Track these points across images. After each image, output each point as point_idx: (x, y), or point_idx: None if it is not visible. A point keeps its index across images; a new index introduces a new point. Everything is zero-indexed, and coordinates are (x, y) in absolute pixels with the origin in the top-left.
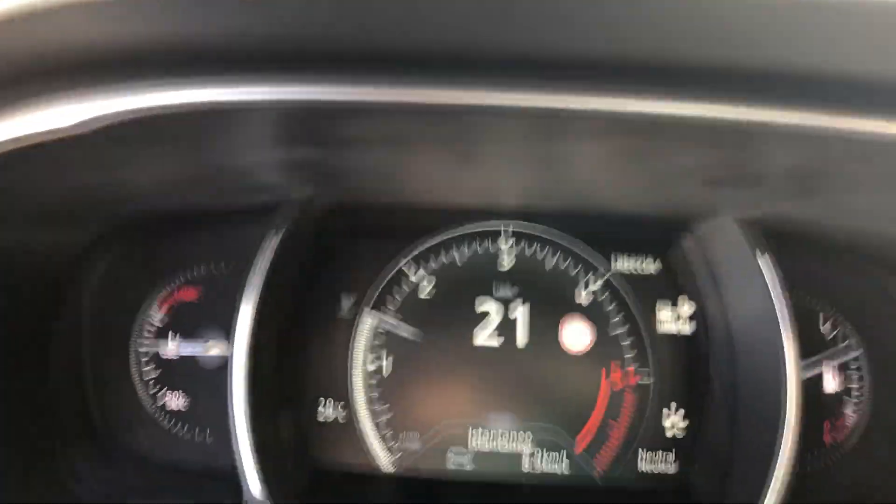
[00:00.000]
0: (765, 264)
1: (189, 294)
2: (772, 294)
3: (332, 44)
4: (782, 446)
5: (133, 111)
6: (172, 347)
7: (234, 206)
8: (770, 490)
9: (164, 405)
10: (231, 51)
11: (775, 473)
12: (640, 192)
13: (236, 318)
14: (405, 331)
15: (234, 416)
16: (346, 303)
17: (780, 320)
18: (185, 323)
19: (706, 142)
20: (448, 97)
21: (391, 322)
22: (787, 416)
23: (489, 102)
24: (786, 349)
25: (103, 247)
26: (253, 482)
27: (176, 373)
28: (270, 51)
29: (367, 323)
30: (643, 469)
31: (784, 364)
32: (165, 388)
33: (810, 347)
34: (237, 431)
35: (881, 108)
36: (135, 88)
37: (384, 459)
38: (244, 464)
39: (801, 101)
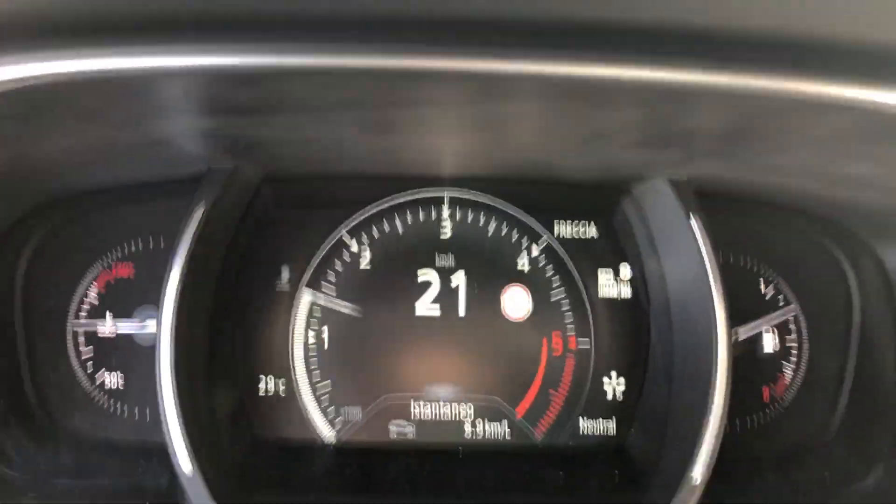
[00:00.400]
0: (696, 225)
1: (124, 271)
2: (703, 255)
3: (248, 4)
4: (713, 406)
5: (39, 77)
6: (109, 325)
7: (163, 179)
8: (702, 448)
9: (101, 384)
10: (141, 15)
11: (707, 432)
12: (575, 156)
13: (163, 292)
14: (343, 306)
15: (161, 391)
16: (285, 275)
17: (710, 282)
18: (121, 300)
19: (636, 103)
20: (371, 62)
21: (329, 299)
22: (717, 376)
23: (418, 66)
24: (716, 311)
25: (33, 223)
26: (182, 457)
27: (113, 351)
28: (181, 13)
29: (307, 294)
30: (583, 432)
31: (715, 326)
32: (102, 367)
33: (748, 308)
34: (165, 406)
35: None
36: (42, 55)
37: (326, 431)
38: (173, 440)
39: (726, 61)
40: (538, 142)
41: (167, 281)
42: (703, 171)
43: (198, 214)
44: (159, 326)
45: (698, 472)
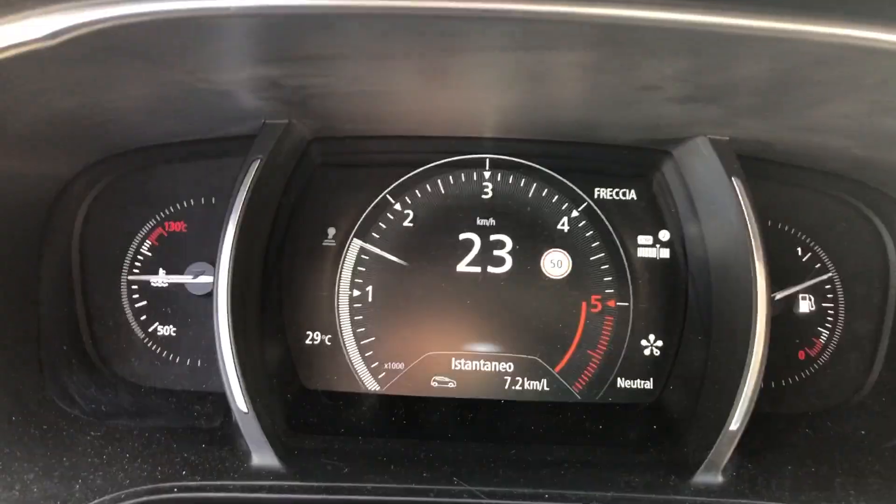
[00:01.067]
0: (738, 186)
1: (178, 226)
2: (745, 216)
3: None
4: (752, 361)
5: (101, 21)
6: (162, 277)
7: (217, 135)
8: (740, 401)
9: (154, 332)
10: None
11: (746, 386)
12: (619, 114)
13: (221, 245)
14: (389, 258)
15: (219, 339)
16: (331, 232)
17: (752, 243)
18: (173, 256)
19: (685, 50)
20: (424, 3)
21: (376, 250)
22: (756, 333)
23: (464, 6)
24: (757, 271)
25: (92, 177)
26: (238, 397)
27: (166, 302)
28: None
29: (353, 251)
30: (620, 386)
31: (755, 286)
32: (156, 317)
33: (784, 272)
34: (223, 353)
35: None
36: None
37: (370, 382)
38: (230, 380)
39: (774, 5)
40: (582, 96)
41: (225, 229)
42: (743, 131)
43: (255, 166)
44: (217, 273)
45: (736, 423)
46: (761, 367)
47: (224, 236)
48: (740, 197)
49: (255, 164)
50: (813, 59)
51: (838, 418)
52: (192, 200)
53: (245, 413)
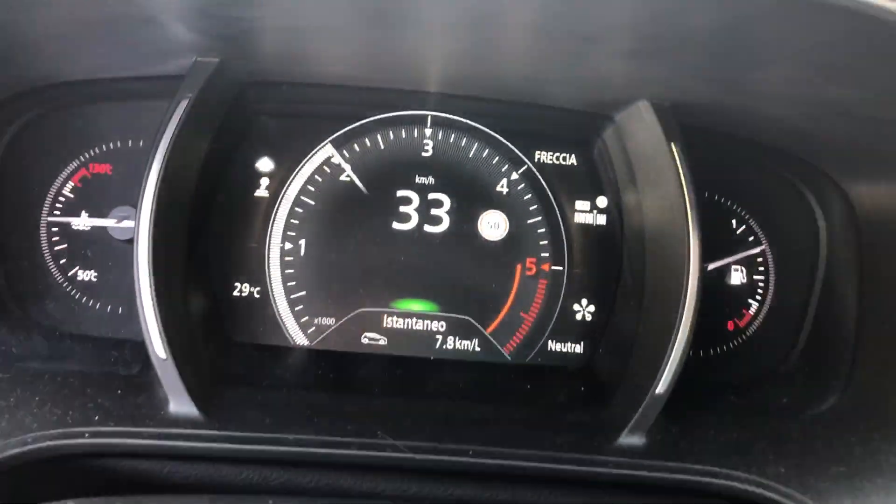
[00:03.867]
0: (677, 152)
1: (103, 168)
2: (682, 182)
3: None
4: (681, 326)
5: None
6: (84, 220)
7: (147, 73)
8: (668, 366)
9: (74, 276)
10: None
11: (673, 354)
12: (563, 69)
13: (143, 187)
14: (325, 211)
15: (139, 283)
16: (265, 183)
17: (687, 209)
18: (97, 198)
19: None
20: None
21: (311, 202)
22: (686, 303)
23: None
24: (691, 239)
25: (12, 112)
26: (157, 344)
27: (87, 246)
28: None
29: (286, 203)
30: (552, 352)
31: (688, 253)
32: (76, 260)
33: (718, 244)
34: (142, 298)
35: None
36: None
37: (298, 337)
38: (149, 328)
39: None
40: (527, 46)
41: (149, 170)
42: (686, 95)
43: (183, 105)
44: (139, 217)
45: (662, 386)
46: (690, 334)
47: (147, 178)
48: (678, 163)
49: (184, 104)
50: (759, 11)
51: (763, 387)
52: (118, 142)
53: (163, 359)
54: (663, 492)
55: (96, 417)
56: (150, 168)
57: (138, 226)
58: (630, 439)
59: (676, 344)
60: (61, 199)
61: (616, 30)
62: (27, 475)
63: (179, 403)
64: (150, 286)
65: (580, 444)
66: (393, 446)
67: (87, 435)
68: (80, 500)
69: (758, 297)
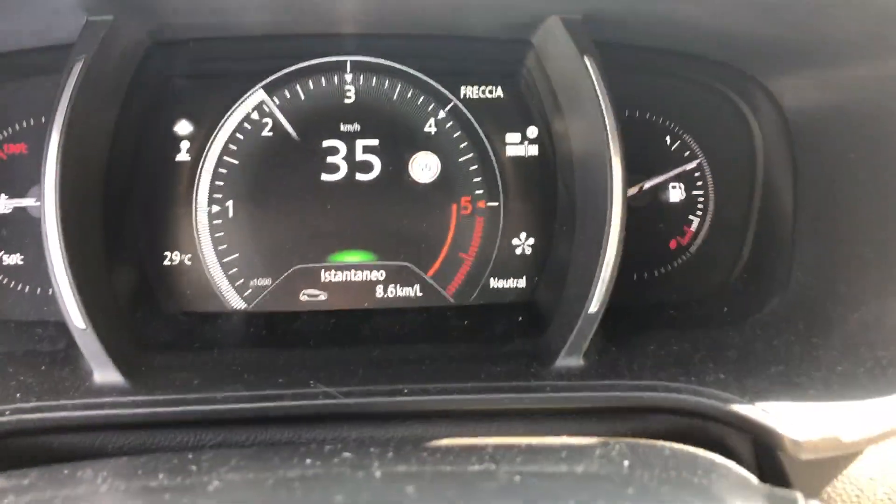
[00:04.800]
0: (590, 65)
1: (18, 147)
2: (598, 95)
3: None
4: (608, 249)
5: None
6: (3, 202)
7: (45, 43)
8: (598, 287)
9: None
10: None
11: (602, 273)
12: None
13: (44, 164)
14: (250, 169)
15: (50, 261)
16: (184, 146)
17: (605, 125)
18: (15, 179)
19: None
20: None
21: (234, 162)
22: (612, 221)
23: None
24: (612, 156)
25: None
26: (75, 315)
27: (9, 227)
28: None
29: (209, 165)
30: (493, 286)
31: (611, 171)
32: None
33: (654, 162)
34: (55, 273)
35: None
36: None
37: (234, 301)
38: (65, 300)
39: None
40: None
41: (47, 146)
42: (594, 5)
43: (76, 69)
44: (43, 195)
45: (595, 306)
46: (618, 253)
47: (47, 154)
48: (594, 77)
49: (77, 67)
50: None
51: (705, 302)
52: (31, 120)
53: (82, 329)
54: (606, 413)
55: (18, 395)
56: (48, 142)
57: (43, 202)
58: (567, 361)
59: (605, 262)
60: None
61: None
62: None
63: (103, 372)
64: (63, 260)
65: (517, 371)
66: (325, 394)
67: (8, 413)
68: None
69: (698, 213)
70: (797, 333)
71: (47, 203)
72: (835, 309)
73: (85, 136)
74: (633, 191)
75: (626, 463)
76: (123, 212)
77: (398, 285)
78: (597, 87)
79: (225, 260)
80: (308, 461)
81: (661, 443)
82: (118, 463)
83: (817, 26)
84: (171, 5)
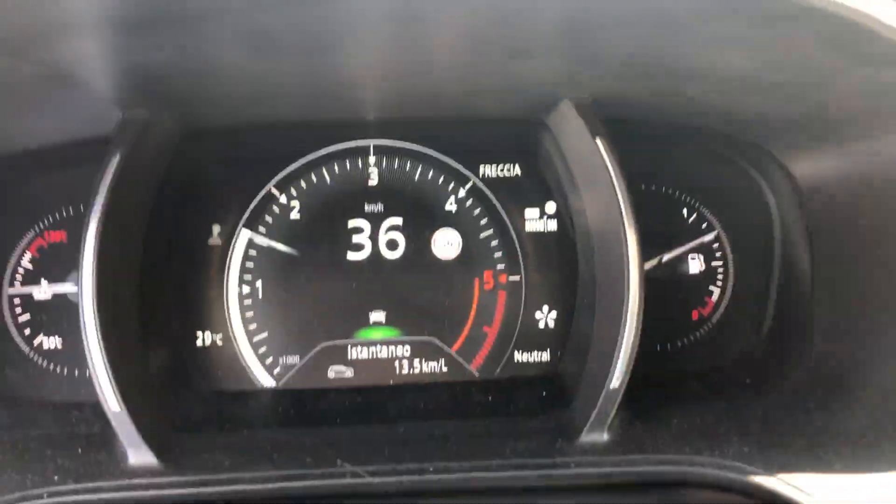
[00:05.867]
0: (602, 146)
1: (58, 235)
2: (611, 176)
3: None
4: (628, 322)
5: None
6: (44, 289)
7: (85, 136)
8: (619, 361)
9: (39, 345)
10: None
11: (623, 346)
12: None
13: (82, 252)
14: (280, 247)
15: (87, 343)
16: (216, 230)
17: (619, 202)
18: (55, 265)
19: None
20: None
21: (265, 241)
22: (630, 295)
23: None
24: (626, 231)
25: None
26: (110, 398)
27: (49, 314)
28: None
29: (239, 247)
30: (518, 363)
31: (626, 246)
32: (40, 329)
33: (672, 234)
34: (91, 356)
35: None
36: None
37: (264, 379)
38: (101, 383)
39: None
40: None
41: (85, 234)
42: (601, 89)
43: (113, 164)
44: (80, 281)
45: (616, 380)
46: (637, 326)
47: (84, 242)
48: (605, 157)
49: (114, 163)
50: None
51: (727, 372)
52: (70, 209)
53: (117, 412)
54: (630, 488)
55: (56, 477)
56: (86, 233)
57: (81, 291)
58: (591, 437)
59: (625, 336)
60: (20, 269)
61: (532, 40)
62: None
63: (138, 454)
64: (99, 345)
65: (542, 448)
66: (353, 472)
67: (45, 496)
68: None
69: (718, 283)
70: (818, 402)
71: (84, 291)
72: (855, 377)
73: (121, 224)
74: (652, 263)
75: None
76: (157, 295)
77: (423, 360)
78: (609, 167)
79: (255, 339)
80: None
81: None
82: None
83: (823, 104)
84: (204, 99)
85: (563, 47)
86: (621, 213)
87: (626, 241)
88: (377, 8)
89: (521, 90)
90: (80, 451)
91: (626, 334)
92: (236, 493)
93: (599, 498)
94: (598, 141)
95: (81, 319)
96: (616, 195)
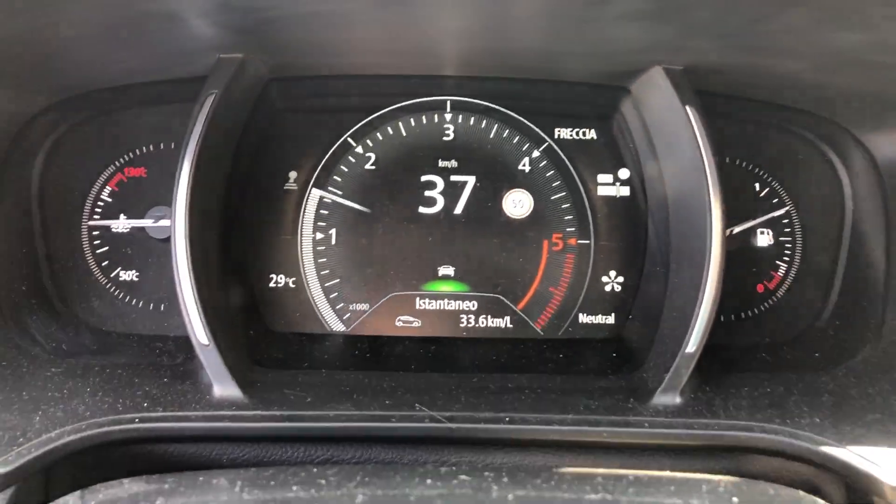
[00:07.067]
0: (692, 115)
1: (138, 171)
2: (699, 145)
3: None
4: (707, 289)
5: None
6: (123, 222)
7: (174, 76)
8: (696, 326)
9: (116, 277)
10: None
11: (701, 312)
12: (572, 40)
13: (176, 185)
14: (350, 205)
15: (178, 276)
16: (293, 176)
17: (706, 172)
18: (134, 201)
19: None
20: None
21: (336, 198)
22: (711, 259)
23: None
24: (711, 201)
25: (48, 122)
26: (199, 331)
27: (127, 247)
28: None
29: (315, 195)
30: (582, 321)
31: (710, 216)
32: (117, 262)
33: (743, 207)
34: (182, 288)
35: None
36: None
37: (335, 323)
38: (191, 315)
39: None
40: (538, 20)
41: (181, 168)
42: (696, 56)
43: (209, 101)
44: (174, 213)
45: (693, 346)
46: (717, 294)
47: (179, 176)
48: (695, 126)
49: (210, 100)
50: None
51: (795, 345)
52: (150, 146)
53: (206, 345)
54: (701, 450)
55: (145, 404)
56: (181, 169)
57: (174, 224)
58: (664, 399)
59: (704, 303)
60: (100, 203)
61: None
62: (84, 460)
63: (223, 387)
64: (190, 278)
65: (615, 406)
66: (431, 417)
67: (137, 420)
68: (134, 479)
69: (785, 259)
70: (892, 382)
71: (178, 226)
72: None
73: (209, 163)
74: None
75: (735, 500)
76: (235, 235)
77: (489, 316)
78: (698, 137)
79: (326, 284)
80: (429, 481)
81: (765, 483)
82: (248, 474)
83: None
84: (293, 46)
85: (664, 14)
86: (707, 183)
87: (710, 210)
88: None
89: (610, 54)
90: (165, 380)
91: (705, 300)
92: (321, 429)
93: (668, 458)
94: (689, 110)
95: (174, 254)
96: (703, 165)
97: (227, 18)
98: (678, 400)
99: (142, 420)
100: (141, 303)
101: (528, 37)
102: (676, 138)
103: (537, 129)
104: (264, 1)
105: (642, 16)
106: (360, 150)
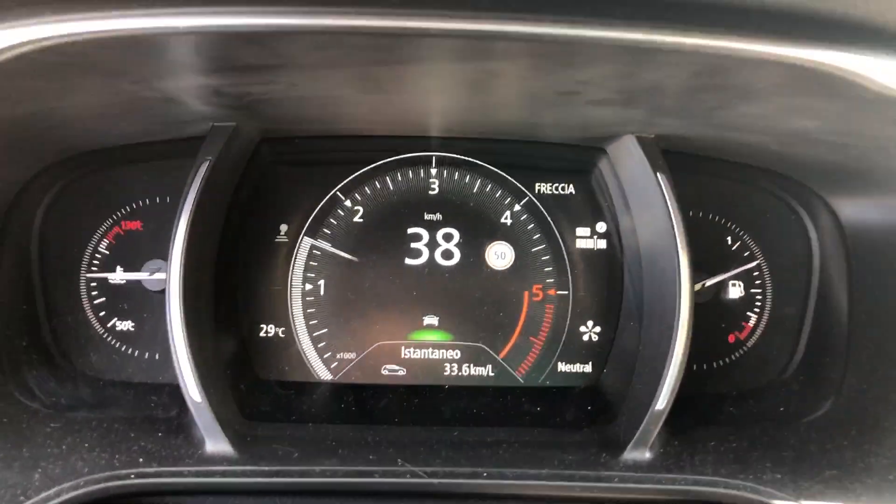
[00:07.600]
0: (663, 181)
1: (134, 224)
2: (670, 209)
3: None
4: (676, 342)
5: (48, 38)
6: (119, 274)
7: (170, 138)
8: (666, 381)
9: (112, 327)
10: None
11: (670, 371)
12: (550, 114)
13: (172, 242)
14: (339, 254)
15: (172, 332)
16: (283, 228)
17: (676, 234)
18: (130, 253)
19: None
20: (363, 22)
21: (326, 246)
22: (680, 321)
23: (406, 26)
24: (680, 259)
25: (48, 180)
26: (192, 388)
27: (123, 298)
28: None
29: (304, 247)
30: (561, 370)
31: (679, 272)
32: (114, 312)
33: (715, 261)
34: (176, 345)
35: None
36: (51, 17)
37: (322, 372)
38: (184, 373)
39: (688, 24)
40: (516, 99)
41: (177, 227)
42: (667, 129)
43: (204, 167)
44: (169, 270)
45: (662, 403)
46: (685, 351)
47: (175, 234)
48: (665, 192)
49: (205, 166)
50: (712, 68)
51: (760, 397)
52: (147, 200)
53: (198, 402)
54: None
55: (140, 459)
56: (177, 226)
57: (169, 277)
58: (634, 454)
59: (673, 361)
60: (98, 255)
61: (585, 85)
62: None
63: (215, 443)
64: (183, 333)
65: (587, 461)
66: (413, 472)
67: (133, 476)
68: None
69: (756, 310)
70: (850, 438)
71: (172, 281)
72: (887, 417)
73: (204, 220)
74: (696, 287)
75: None
76: (228, 287)
77: (472, 365)
78: (667, 199)
79: (315, 334)
80: None
81: None
82: None
83: (877, 160)
84: (283, 115)
85: (631, 101)
86: (676, 241)
87: (678, 268)
88: (440, 56)
89: (585, 126)
90: (160, 434)
91: (674, 357)
92: (307, 484)
93: None
94: (660, 177)
95: (168, 308)
96: (672, 224)
97: (221, 100)
98: (648, 455)
99: (137, 476)
100: (136, 352)
101: (508, 113)
102: (648, 198)
103: (518, 184)
104: (256, 87)
105: (611, 103)
106: (348, 203)
